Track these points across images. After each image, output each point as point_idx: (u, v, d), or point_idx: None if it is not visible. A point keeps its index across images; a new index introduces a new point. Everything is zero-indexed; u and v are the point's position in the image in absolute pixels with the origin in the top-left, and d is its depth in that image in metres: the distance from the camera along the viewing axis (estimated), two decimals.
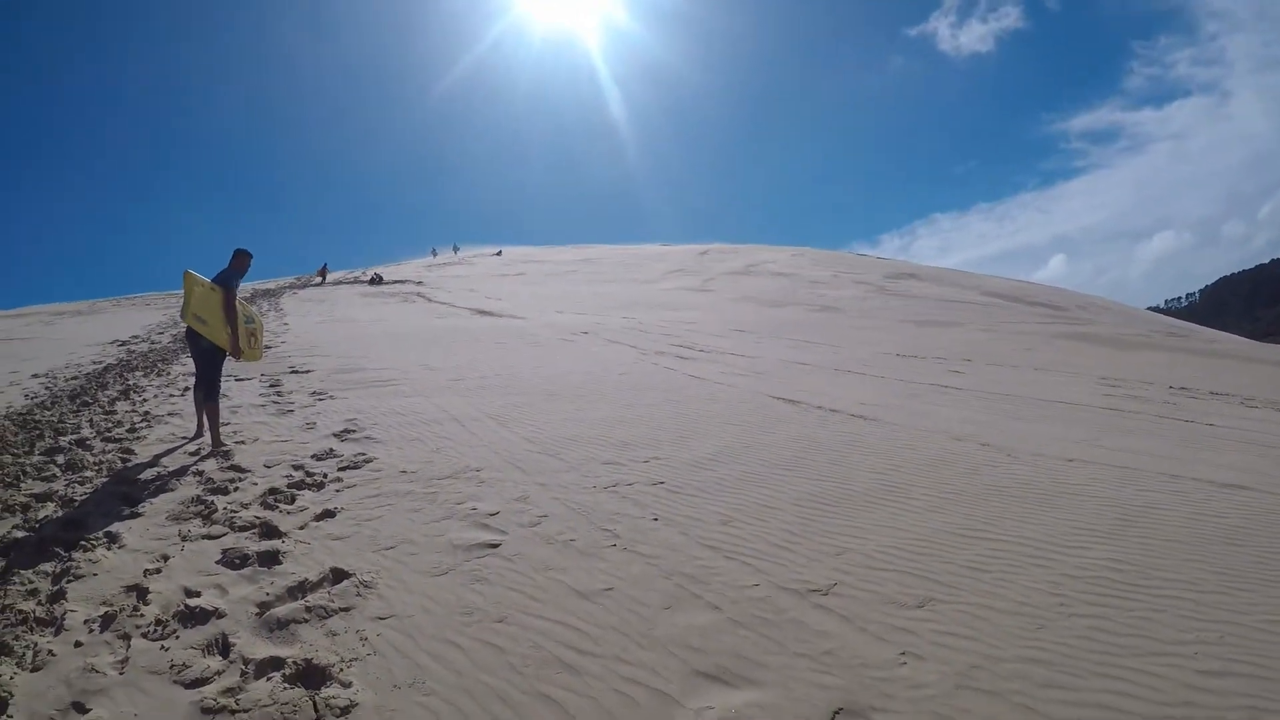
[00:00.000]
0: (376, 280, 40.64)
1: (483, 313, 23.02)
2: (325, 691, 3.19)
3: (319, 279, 46.63)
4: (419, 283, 39.90)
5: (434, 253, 71.78)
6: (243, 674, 3.37)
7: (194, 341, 7.61)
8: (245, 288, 38.28)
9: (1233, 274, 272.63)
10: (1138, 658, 3.28)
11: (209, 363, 7.56)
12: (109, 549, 4.80)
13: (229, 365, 9.21)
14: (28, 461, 6.84)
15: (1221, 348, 20.81)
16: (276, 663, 3.44)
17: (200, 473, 6.48)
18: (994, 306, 31.41)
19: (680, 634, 3.55)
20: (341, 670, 3.34)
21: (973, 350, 16.93)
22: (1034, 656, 3.29)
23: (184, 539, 4.95)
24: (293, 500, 5.66)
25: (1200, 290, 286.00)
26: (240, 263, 7.84)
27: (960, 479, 5.84)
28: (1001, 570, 4.15)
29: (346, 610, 3.91)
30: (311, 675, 3.33)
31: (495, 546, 4.64)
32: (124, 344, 18.20)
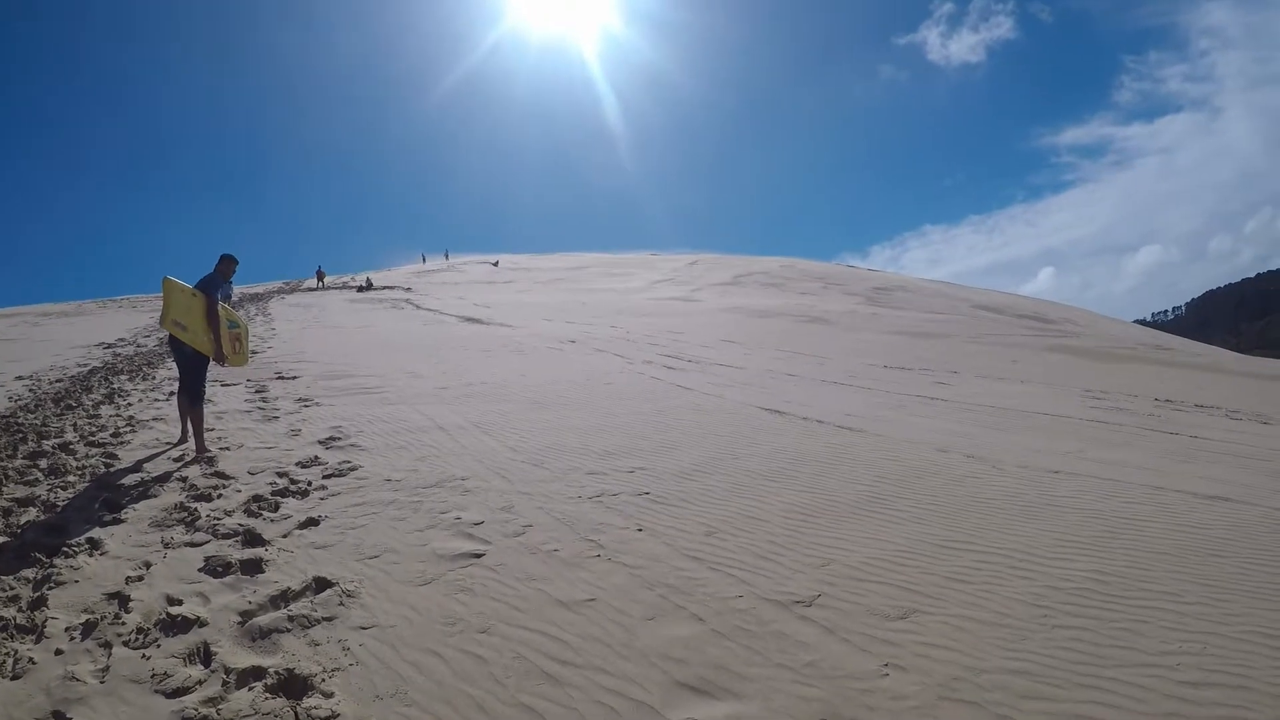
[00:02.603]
0: (365, 286, 40.62)
1: (470, 320, 23.03)
2: (307, 701, 3.17)
3: (317, 284, 46.64)
4: (408, 289, 39.90)
5: (424, 259, 71.80)
6: (224, 683, 3.33)
7: (177, 347, 7.58)
8: (235, 291, 38.07)
9: (1218, 288, 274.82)
10: (1120, 669, 3.29)
11: (193, 368, 7.52)
12: (91, 555, 4.76)
13: (215, 370, 9.18)
14: (10, 465, 6.79)
15: (1206, 361, 20.97)
16: (258, 672, 3.40)
17: (184, 479, 6.44)
18: (982, 319, 31.56)
19: (663, 645, 3.54)
20: (323, 680, 3.32)
21: (960, 362, 17.01)
22: (1016, 667, 3.30)
23: (166, 546, 4.91)
24: (276, 508, 5.63)
25: (1186, 304, 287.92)
26: (225, 268, 7.81)
27: (945, 491, 5.86)
28: (985, 582, 4.16)
29: (329, 620, 3.89)
30: (293, 685, 3.30)
31: (479, 556, 4.63)
32: (109, 346, 18.15)
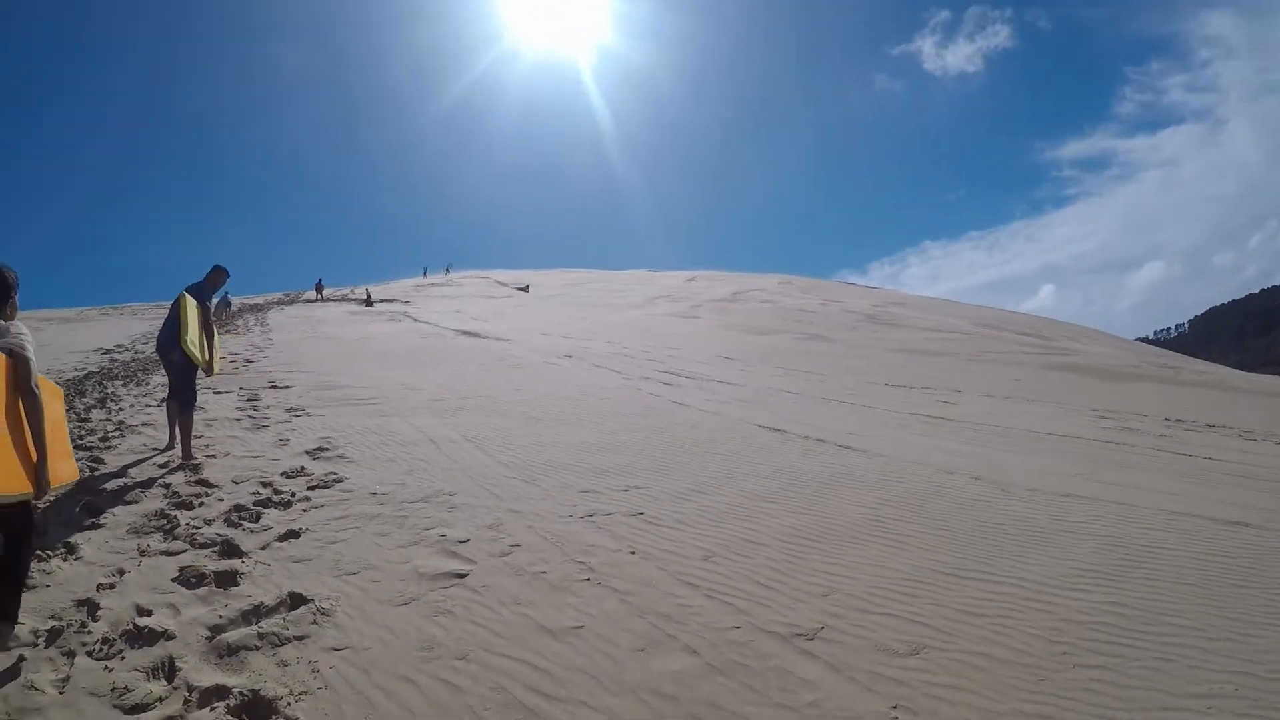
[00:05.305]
0: (368, 303, 40.42)
1: (467, 334, 22.87)
2: None
3: (316, 296, 46.62)
4: (406, 302, 39.96)
5: (425, 272, 72.06)
6: (185, 702, 3.20)
7: (165, 354, 7.49)
8: (235, 302, 38.58)
9: (1222, 304, 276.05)
10: (1148, 713, 3.06)
11: (183, 375, 7.44)
12: (65, 560, 4.68)
13: (207, 378, 9.17)
14: None
15: (1214, 378, 20.84)
16: (222, 692, 3.26)
17: (167, 485, 6.32)
18: (983, 337, 31.45)
19: (653, 679, 3.33)
20: (289, 704, 3.16)
21: (962, 381, 16.86)
22: (1035, 711, 3.07)
23: (142, 554, 4.80)
24: (258, 518, 5.49)
25: (1189, 321, 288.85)
26: (216, 279, 7.95)
27: (952, 515, 5.64)
28: (999, 614, 3.94)
29: (301, 639, 3.73)
30: (257, 708, 3.16)
31: (462, 576, 4.44)
32: (108, 352, 18.14)
